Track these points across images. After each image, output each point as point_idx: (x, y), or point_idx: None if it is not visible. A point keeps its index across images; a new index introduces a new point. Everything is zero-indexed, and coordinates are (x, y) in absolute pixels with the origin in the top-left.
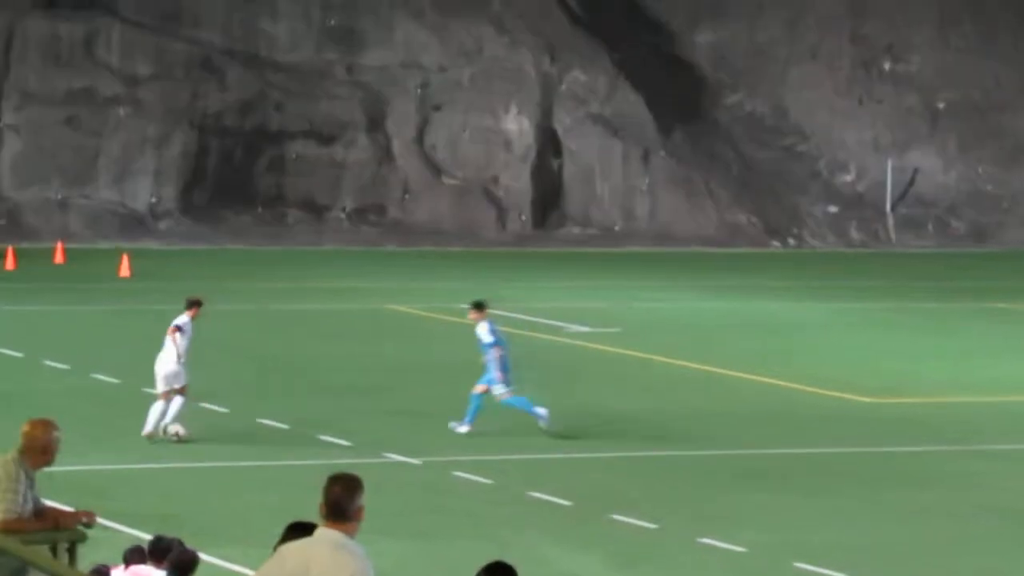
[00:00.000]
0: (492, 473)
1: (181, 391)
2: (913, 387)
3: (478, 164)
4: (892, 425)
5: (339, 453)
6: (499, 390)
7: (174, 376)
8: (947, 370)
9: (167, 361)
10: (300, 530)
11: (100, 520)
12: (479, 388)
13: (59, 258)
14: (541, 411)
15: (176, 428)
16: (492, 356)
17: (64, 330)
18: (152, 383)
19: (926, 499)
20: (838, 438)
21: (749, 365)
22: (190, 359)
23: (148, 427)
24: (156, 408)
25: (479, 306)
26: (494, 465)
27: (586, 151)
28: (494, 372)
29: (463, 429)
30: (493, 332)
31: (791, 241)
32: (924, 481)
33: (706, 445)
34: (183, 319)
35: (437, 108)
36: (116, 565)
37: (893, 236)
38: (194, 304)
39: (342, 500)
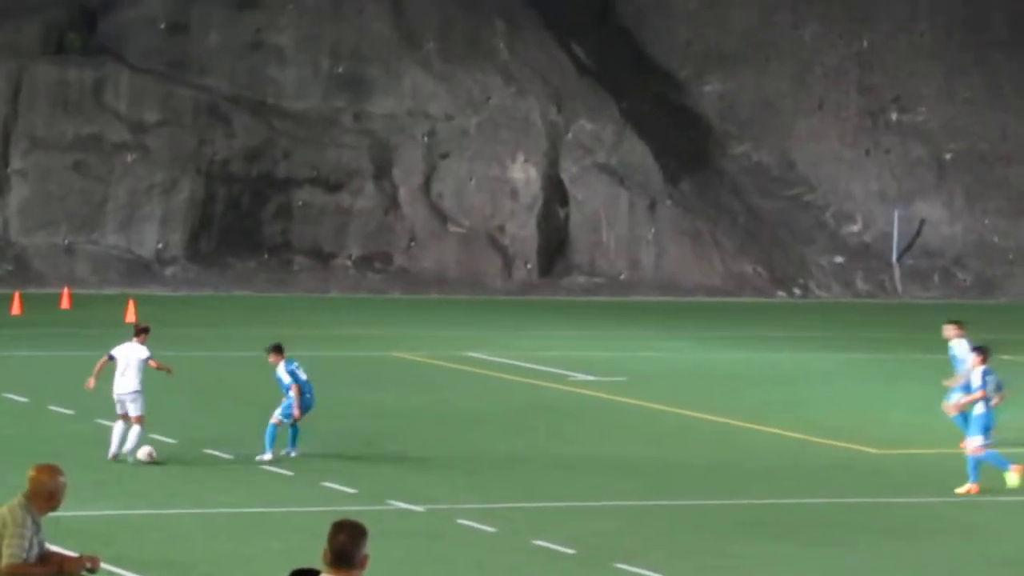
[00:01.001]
0: (496, 521)
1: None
2: (920, 438)
3: (484, 212)
4: (898, 476)
5: (343, 500)
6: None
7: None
8: (951, 421)
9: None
10: None
11: (104, 565)
12: (274, 419)
13: (65, 303)
14: None
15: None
16: (291, 394)
17: (70, 376)
18: (157, 428)
19: (931, 550)
20: (844, 489)
21: (755, 415)
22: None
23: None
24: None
25: (277, 349)
26: (498, 513)
27: (592, 200)
28: (291, 408)
29: (266, 457)
30: (291, 373)
31: (797, 291)
32: (929, 532)
33: (711, 495)
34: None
35: (444, 156)
36: None
37: (899, 287)
38: (142, 331)
39: (347, 548)
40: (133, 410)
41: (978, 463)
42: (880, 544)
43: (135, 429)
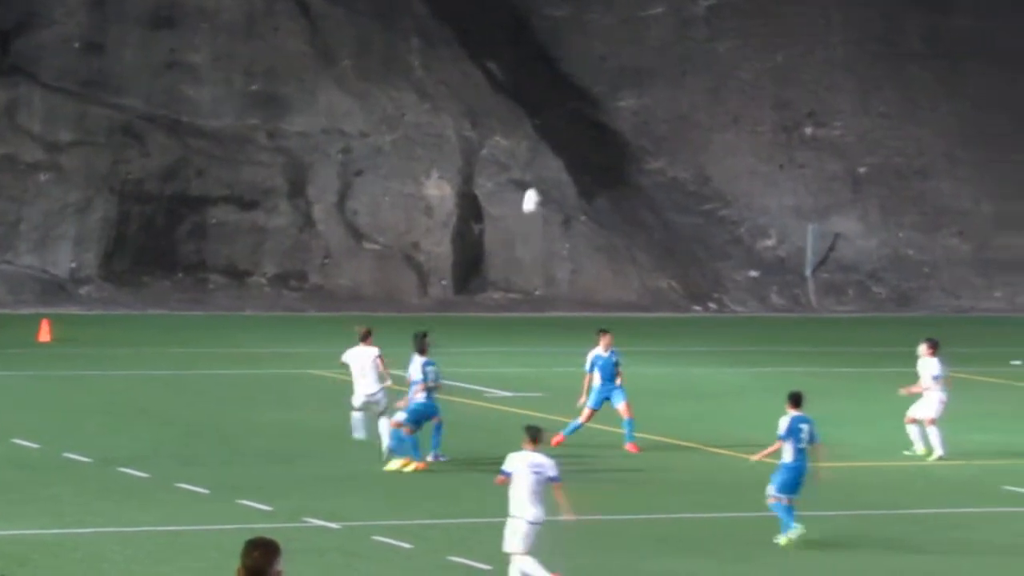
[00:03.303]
0: (412, 538)
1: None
2: (834, 452)
3: (399, 229)
4: (812, 491)
5: (259, 518)
6: None
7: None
8: (869, 435)
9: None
10: None
11: None
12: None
13: None
14: None
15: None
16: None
17: None
18: (72, 447)
19: (845, 565)
20: (758, 504)
21: (671, 430)
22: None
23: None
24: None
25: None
26: (414, 530)
27: (507, 216)
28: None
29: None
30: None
31: (712, 306)
32: (843, 546)
33: (628, 510)
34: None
35: (358, 174)
36: None
37: (814, 301)
38: (368, 334)
39: (261, 565)
40: (383, 407)
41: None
42: (793, 559)
43: (384, 422)
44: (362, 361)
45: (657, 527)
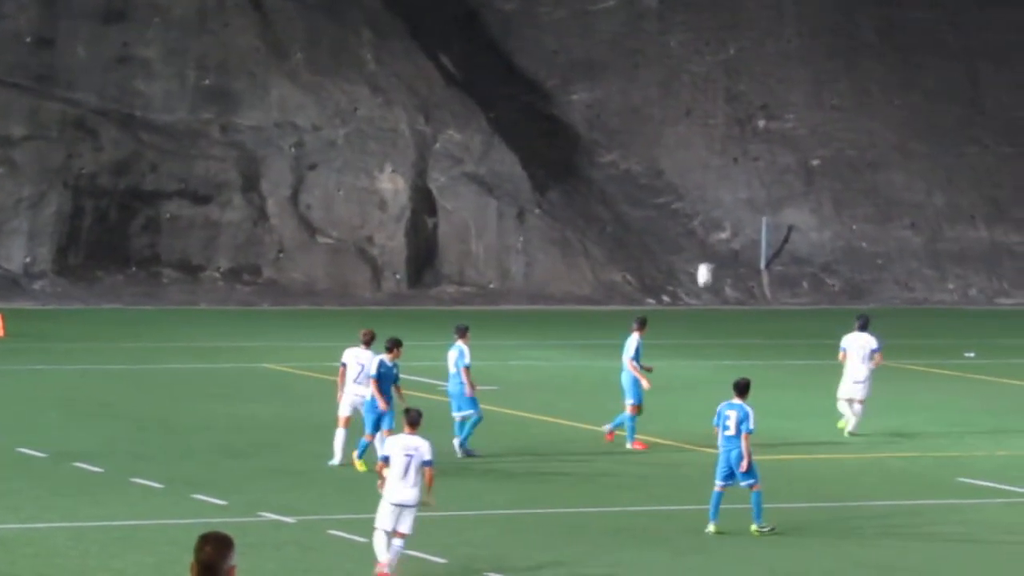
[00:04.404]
0: (368, 531)
1: None
2: (789, 444)
3: (353, 223)
4: (767, 482)
5: (213, 512)
6: None
7: None
8: (823, 427)
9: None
10: None
11: None
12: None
13: None
14: None
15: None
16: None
17: None
18: (26, 442)
19: (802, 556)
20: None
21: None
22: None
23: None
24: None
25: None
26: (370, 523)
27: (461, 210)
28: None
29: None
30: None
31: (666, 299)
32: (800, 538)
33: (584, 503)
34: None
35: (312, 168)
36: None
37: (768, 294)
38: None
39: (213, 560)
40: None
41: None
42: (748, 551)
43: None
44: (364, 363)
45: (612, 520)
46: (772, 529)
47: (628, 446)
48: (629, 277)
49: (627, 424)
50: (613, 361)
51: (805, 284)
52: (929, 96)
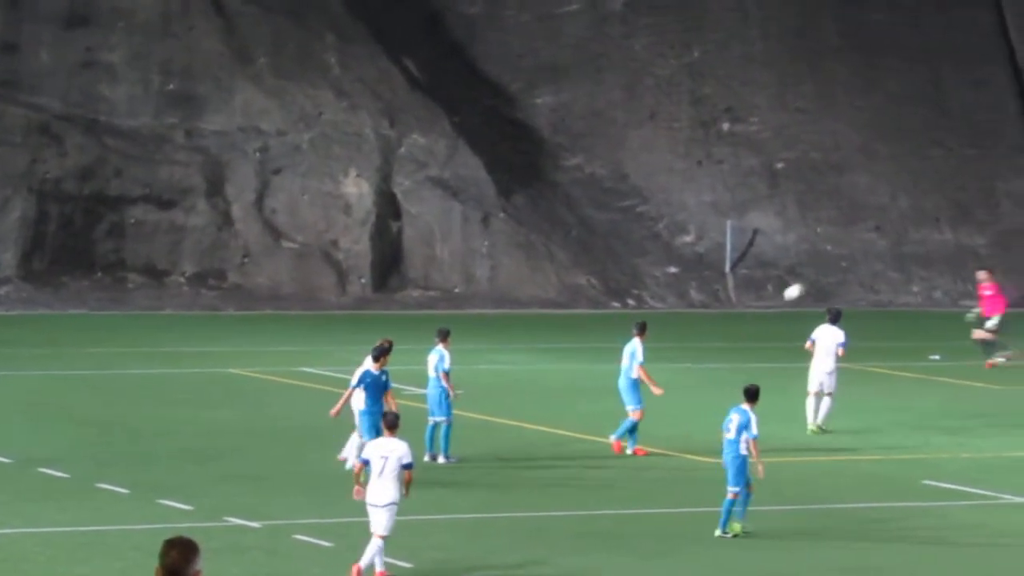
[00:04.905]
0: (333, 536)
1: None
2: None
3: (317, 228)
4: (702, 483)
5: (180, 517)
6: None
7: None
8: (785, 429)
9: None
10: None
11: None
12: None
13: None
14: None
15: None
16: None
17: None
18: None
19: (763, 559)
20: (678, 499)
21: (592, 426)
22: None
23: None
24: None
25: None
26: (335, 528)
27: (426, 214)
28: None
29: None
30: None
31: (631, 302)
32: (761, 540)
33: (550, 507)
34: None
35: (276, 172)
36: None
37: (733, 297)
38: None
39: (179, 565)
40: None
41: None
42: (712, 552)
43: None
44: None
45: (582, 523)
46: (735, 536)
47: (628, 452)
48: (594, 280)
49: (630, 429)
50: (578, 364)
51: (770, 287)
52: (893, 99)
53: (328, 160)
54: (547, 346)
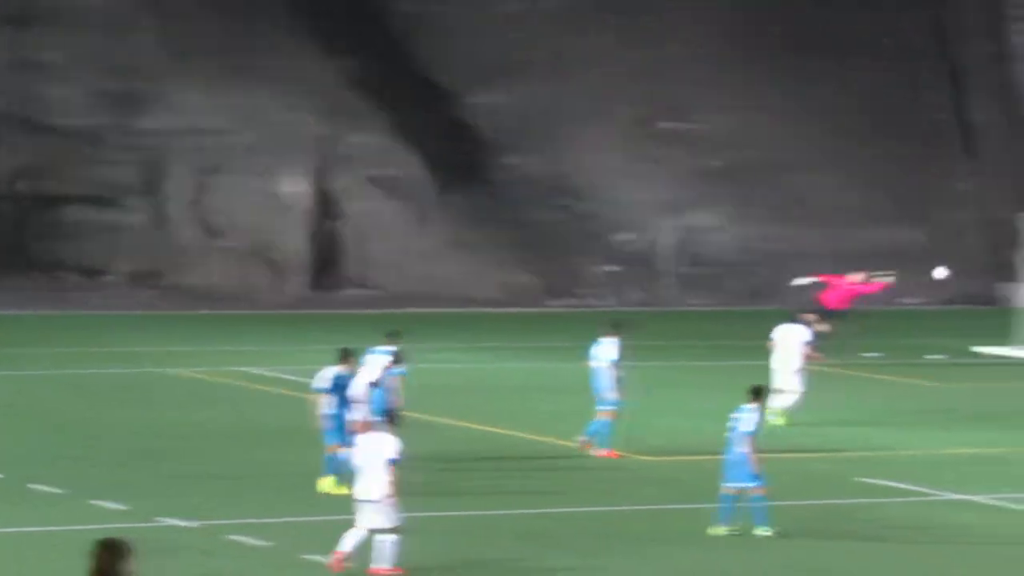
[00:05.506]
0: (269, 535)
1: None
2: (690, 445)
3: (255, 227)
4: (668, 483)
5: (114, 518)
6: None
7: None
8: (711, 428)
9: None
10: None
11: None
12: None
13: None
14: None
15: None
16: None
17: None
18: None
19: (699, 557)
20: (615, 497)
21: (532, 425)
22: None
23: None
24: None
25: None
26: (271, 528)
27: (363, 213)
28: None
29: None
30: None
31: (570, 301)
32: (697, 539)
33: (488, 505)
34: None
35: (214, 171)
36: None
37: (672, 295)
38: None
39: (109, 566)
40: None
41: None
42: (652, 552)
43: None
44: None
45: (519, 522)
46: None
47: (597, 452)
48: (533, 279)
49: (602, 430)
50: (518, 363)
51: (708, 286)
52: (832, 97)
53: (265, 159)
54: (485, 345)
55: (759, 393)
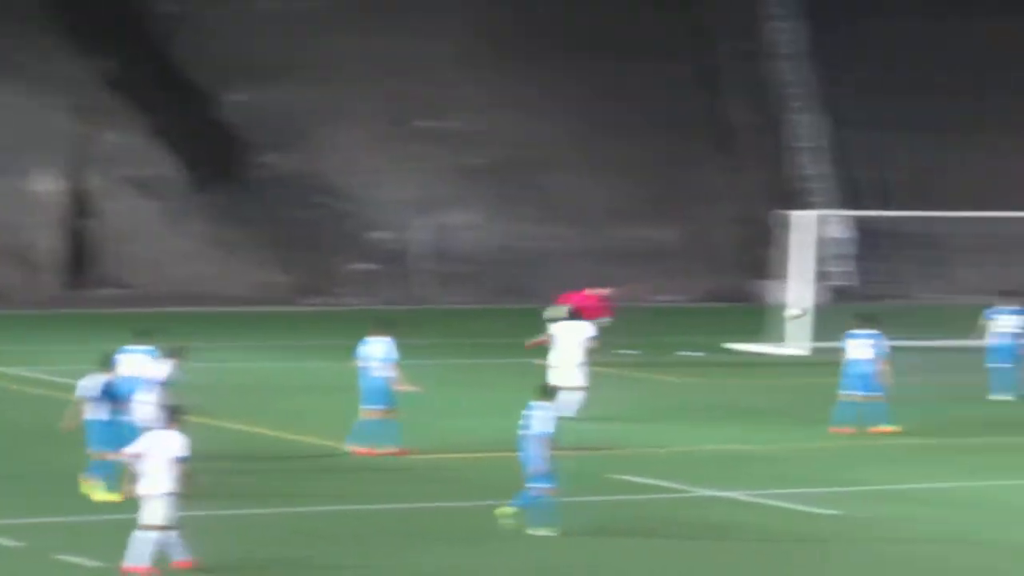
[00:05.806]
0: (23, 536)
1: None
2: (450, 443)
3: (9, 226)
4: (432, 481)
5: None
6: None
7: None
8: (484, 425)
9: None
10: None
11: None
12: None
13: None
14: None
15: None
16: None
17: None
18: None
19: (469, 554)
20: (379, 495)
21: (291, 425)
22: None
23: None
24: None
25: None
26: (24, 528)
27: (119, 213)
28: None
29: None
30: None
31: (324, 299)
32: (467, 536)
33: (258, 504)
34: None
35: None
36: None
37: (429, 293)
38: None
39: None
40: None
41: None
42: (403, 550)
43: None
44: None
45: (290, 521)
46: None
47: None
48: (288, 278)
49: (374, 429)
50: (272, 362)
51: (464, 283)
52: (590, 95)
53: (19, 157)
54: (240, 344)
55: (548, 392)
